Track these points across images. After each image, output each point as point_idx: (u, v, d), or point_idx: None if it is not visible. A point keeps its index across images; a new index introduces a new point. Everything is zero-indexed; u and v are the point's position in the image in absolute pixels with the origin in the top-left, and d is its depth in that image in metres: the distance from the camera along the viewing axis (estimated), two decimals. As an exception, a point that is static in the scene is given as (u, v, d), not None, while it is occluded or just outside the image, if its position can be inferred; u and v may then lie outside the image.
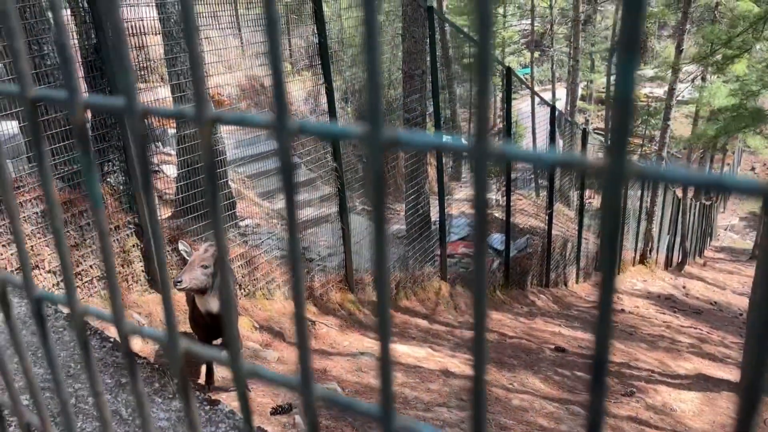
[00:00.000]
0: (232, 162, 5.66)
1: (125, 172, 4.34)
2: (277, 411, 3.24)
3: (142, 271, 4.30)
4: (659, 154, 13.58)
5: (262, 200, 6.82)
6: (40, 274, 3.76)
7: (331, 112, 5.33)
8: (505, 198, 7.87)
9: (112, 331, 3.32)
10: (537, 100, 10.85)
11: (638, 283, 11.85)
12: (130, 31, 4.57)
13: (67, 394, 0.52)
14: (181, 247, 3.06)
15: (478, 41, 0.31)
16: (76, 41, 4.09)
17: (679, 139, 18.99)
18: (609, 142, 0.32)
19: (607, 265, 0.32)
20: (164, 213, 4.95)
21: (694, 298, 11.91)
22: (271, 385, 0.38)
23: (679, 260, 15.91)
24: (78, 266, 3.92)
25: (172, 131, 6.72)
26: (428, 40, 6.56)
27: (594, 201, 11.53)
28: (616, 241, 0.31)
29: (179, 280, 2.82)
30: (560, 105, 19.61)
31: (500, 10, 22.79)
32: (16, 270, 3.55)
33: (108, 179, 4.29)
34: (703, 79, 16.60)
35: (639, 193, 13.19)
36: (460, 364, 4.95)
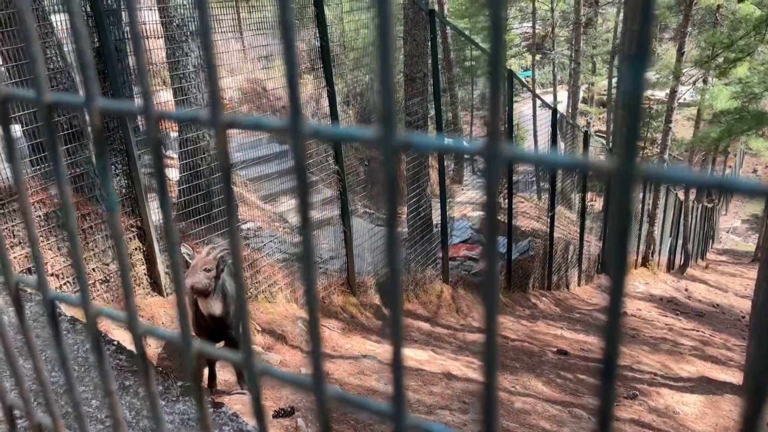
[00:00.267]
0: (234, 165, 5.67)
1: (127, 175, 4.35)
2: (279, 414, 3.24)
3: (145, 274, 4.31)
4: (661, 156, 13.57)
5: (264, 203, 6.82)
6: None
7: (333, 115, 5.34)
8: (507, 201, 7.87)
9: (115, 334, 3.33)
10: (538, 102, 10.85)
11: (640, 285, 11.83)
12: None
13: (79, 394, 0.53)
14: (183, 250, 3.07)
15: (489, 44, 0.32)
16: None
17: (680, 142, 18.98)
18: (618, 144, 0.32)
19: (618, 267, 0.32)
20: (167, 216, 4.95)
21: (696, 301, 11.89)
22: (283, 385, 0.38)
23: (682, 263, 15.89)
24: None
25: (174, 134, 6.73)
26: (429, 43, 6.58)
27: (596, 204, 11.53)
28: (627, 243, 0.32)
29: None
30: (562, 108, 19.59)
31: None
32: (20, 272, 3.55)
33: (110, 182, 4.29)
34: (705, 81, 16.59)
35: (641, 195, 13.19)
36: (462, 367, 4.95)
